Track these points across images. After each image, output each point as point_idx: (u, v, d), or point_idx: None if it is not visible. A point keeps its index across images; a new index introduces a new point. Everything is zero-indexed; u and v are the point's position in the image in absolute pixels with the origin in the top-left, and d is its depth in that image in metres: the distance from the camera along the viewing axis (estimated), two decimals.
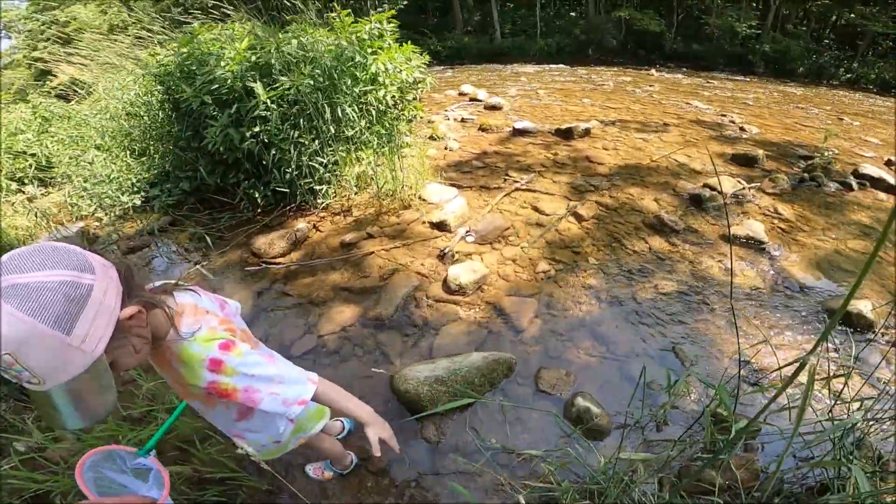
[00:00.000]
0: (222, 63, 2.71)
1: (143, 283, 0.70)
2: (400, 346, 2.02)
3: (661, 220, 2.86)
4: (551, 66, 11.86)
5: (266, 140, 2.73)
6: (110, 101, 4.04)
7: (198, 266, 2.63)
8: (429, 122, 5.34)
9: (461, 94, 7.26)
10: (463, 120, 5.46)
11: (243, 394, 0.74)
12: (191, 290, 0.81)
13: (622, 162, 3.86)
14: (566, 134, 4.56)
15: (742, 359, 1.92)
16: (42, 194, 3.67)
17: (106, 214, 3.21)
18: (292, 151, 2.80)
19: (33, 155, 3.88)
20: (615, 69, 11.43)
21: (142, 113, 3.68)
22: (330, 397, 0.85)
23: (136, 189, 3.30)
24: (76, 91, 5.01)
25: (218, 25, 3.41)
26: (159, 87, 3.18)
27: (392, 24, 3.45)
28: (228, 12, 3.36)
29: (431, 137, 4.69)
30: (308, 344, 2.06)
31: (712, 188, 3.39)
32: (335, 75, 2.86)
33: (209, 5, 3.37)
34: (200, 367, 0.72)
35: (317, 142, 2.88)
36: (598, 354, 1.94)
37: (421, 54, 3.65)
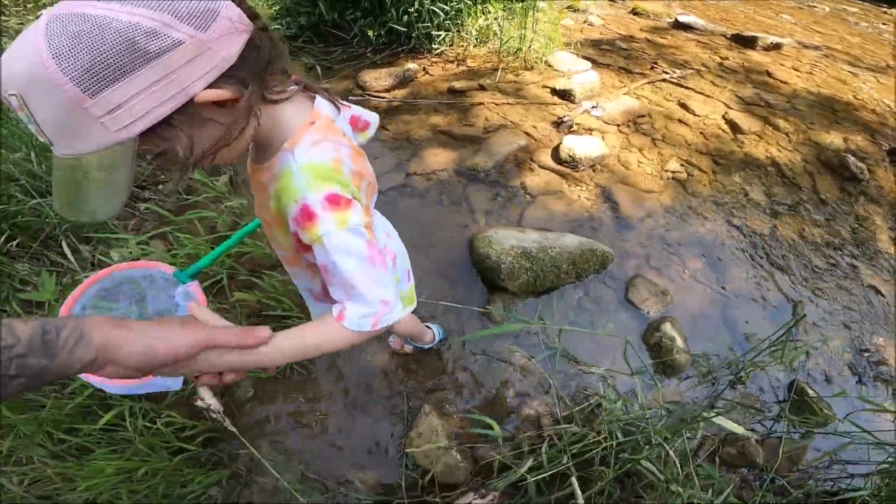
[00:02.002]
0: None
1: (281, 69, 0.50)
2: (489, 203, 1.87)
3: (843, 161, 2.22)
4: None
5: None
6: None
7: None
8: None
9: None
10: None
11: (321, 269, 0.55)
12: (341, 104, 0.60)
13: (815, 88, 2.96)
14: (746, 42, 3.55)
15: (861, 345, 1.58)
16: None
17: None
18: None
19: None
20: None
21: None
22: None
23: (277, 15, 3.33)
24: None
25: None
26: None
27: None
28: None
29: (570, 8, 3.91)
30: (396, 180, 1.99)
31: None
32: None
33: None
34: (291, 208, 0.51)
35: None
36: (705, 282, 1.67)
37: None
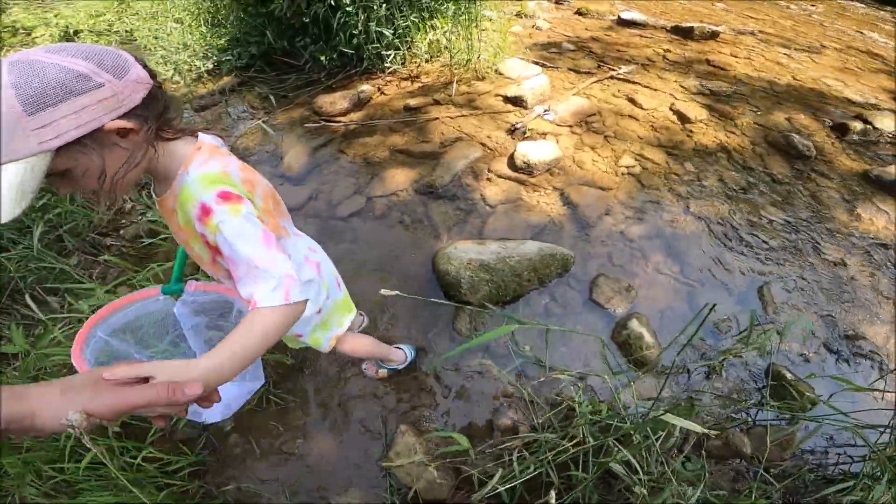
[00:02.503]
0: None
1: (174, 117, 0.63)
2: (451, 218, 1.85)
3: (788, 139, 2.29)
4: None
5: (333, 3, 2.50)
6: None
7: (259, 121, 2.61)
8: None
9: None
10: (558, 2, 4.58)
11: (227, 263, 0.62)
12: (219, 136, 0.72)
13: (754, 73, 3.08)
14: (686, 33, 3.68)
15: (834, 321, 1.59)
16: None
17: (182, 78, 3.32)
18: (360, 15, 2.55)
19: (116, 32, 4.08)
20: None
21: None
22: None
23: (209, 55, 3.41)
24: None
25: None
26: None
27: None
28: None
29: (518, 14, 3.99)
30: (356, 205, 1.96)
31: (867, 121, 2.64)
32: None
33: None
34: (191, 210, 0.61)
35: (385, 7, 2.58)
36: (668, 273, 1.67)
37: None
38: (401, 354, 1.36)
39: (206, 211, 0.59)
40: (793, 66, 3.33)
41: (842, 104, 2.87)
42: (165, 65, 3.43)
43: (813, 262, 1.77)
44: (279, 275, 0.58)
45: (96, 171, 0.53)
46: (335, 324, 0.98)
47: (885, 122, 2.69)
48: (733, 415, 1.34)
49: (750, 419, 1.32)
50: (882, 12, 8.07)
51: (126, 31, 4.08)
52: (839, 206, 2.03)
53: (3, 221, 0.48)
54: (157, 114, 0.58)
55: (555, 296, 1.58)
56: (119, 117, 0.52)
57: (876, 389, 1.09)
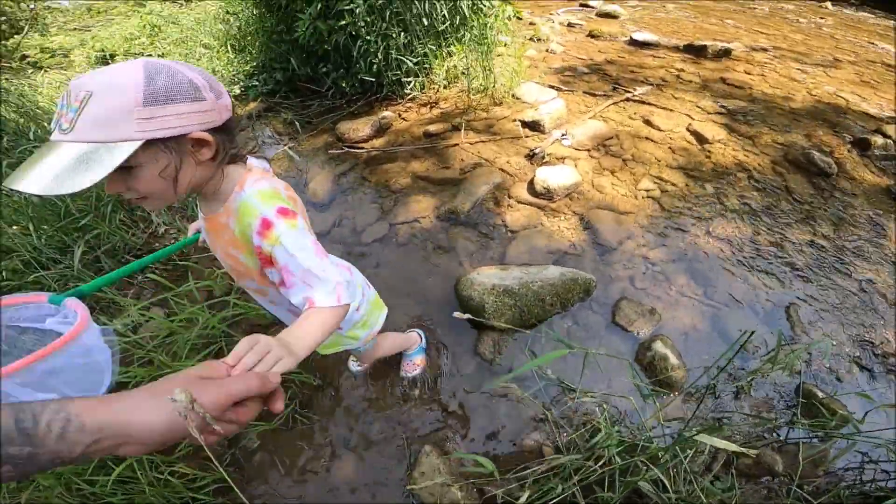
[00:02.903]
0: None
1: (236, 145, 0.70)
2: (472, 245, 1.90)
3: (809, 157, 2.29)
4: None
5: (353, 32, 2.63)
6: (211, 2, 4.27)
7: (286, 147, 2.73)
8: (530, 23, 4.68)
9: None
10: (570, 25, 4.69)
11: (282, 272, 0.66)
12: (265, 159, 0.81)
13: (769, 90, 3.09)
14: (698, 51, 3.73)
15: (865, 340, 1.56)
16: None
17: None
18: (379, 43, 2.69)
19: (149, 55, 4.30)
20: None
21: (238, 10, 3.87)
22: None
23: (236, 80, 3.55)
24: None
25: None
26: None
27: None
28: None
29: (532, 39, 4.10)
30: (380, 231, 2.02)
31: (887, 136, 2.63)
32: None
33: None
34: (252, 224, 0.66)
35: (404, 35, 2.71)
36: (692, 296, 1.68)
37: None
38: (415, 336, 1.48)
39: (267, 225, 0.65)
40: (808, 82, 3.34)
41: (860, 119, 2.85)
42: None
43: (840, 281, 1.76)
44: (333, 281, 0.65)
45: (169, 172, 0.59)
46: (373, 322, 1.07)
47: None
48: (764, 434, 1.33)
49: (781, 438, 1.31)
50: (891, 21, 8.01)
51: (158, 55, 4.30)
52: (864, 224, 2.01)
53: (66, 192, 0.49)
54: (228, 136, 0.66)
55: (577, 319, 1.60)
56: (205, 131, 0.60)
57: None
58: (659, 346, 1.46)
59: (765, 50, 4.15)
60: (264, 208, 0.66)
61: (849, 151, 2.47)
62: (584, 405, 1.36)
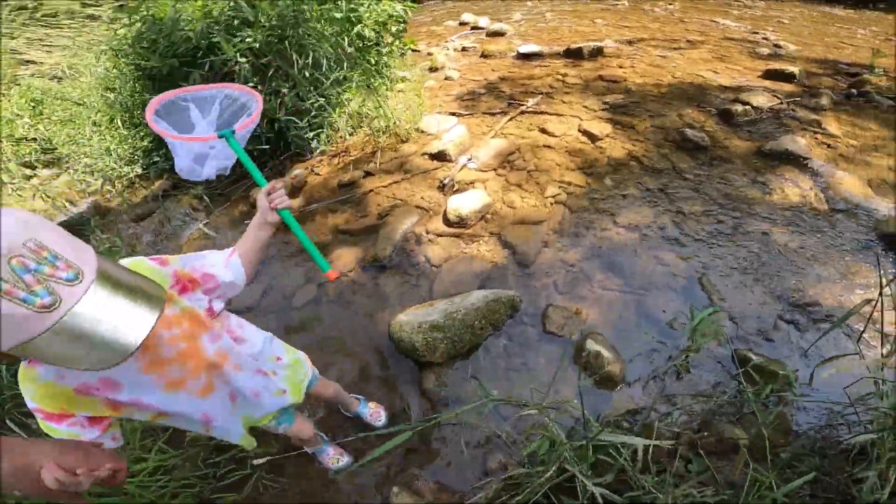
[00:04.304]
0: (181, 24, 2.59)
1: None
2: (400, 287, 1.88)
3: (684, 135, 2.55)
4: None
5: None
6: (90, 77, 4.07)
7: (201, 225, 2.59)
8: (427, 54, 4.87)
9: (462, 23, 6.58)
10: (464, 49, 4.95)
11: (197, 273, 0.76)
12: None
13: (640, 80, 3.44)
14: (576, 54, 4.08)
15: (780, 293, 1.70)
16: (53, 176, 3.71)
17: (113, 187, 3.25)
18: (273, 101, 2.66)
19: (34, 139, 3.96)
20: None
21: (117, 86, 3.67)
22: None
23: (135, 159, 3.34)
24: (64, 72, 5.07)
25: None
26: (124, 60, 3.08)
27: None
28: None
29: (431, 69, 4.26)
30: (309, 293, 1.96)
31: (745, 102, 3.01)
32: (299, 20, 2.64)
33: None
34: (162, 275, 0.72)
35: (295, 90, 2.71)
36: (613, 288, 1.75)
37: None
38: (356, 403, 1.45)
39: (160, 259, 0.73)
40: (670, 66, 3.76)
41: (719, 91, 3.25)
42: (93, 174, 3.33)
43: (741, 242, 1.92)
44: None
45: None
46: (302, 376, 1.07)
47: (759, 100, 3.06)
48: (715, 410, 1.36)
49: (734, 410, 1.34)
50: None
51: (43, 139, 3.93)
52: (747, 185, 2.25)
53: (117, 361, 0.47)
54: None
55: (511, 336, 1.61)
56: None
57: (837, 357, 1.14)
58: (591, 345, 1.50)
59: (630, 43, 4.65)
60: (145, 262, 0.70)
61: (717, 123, 2.79)
62: (534, 417, 1.33)
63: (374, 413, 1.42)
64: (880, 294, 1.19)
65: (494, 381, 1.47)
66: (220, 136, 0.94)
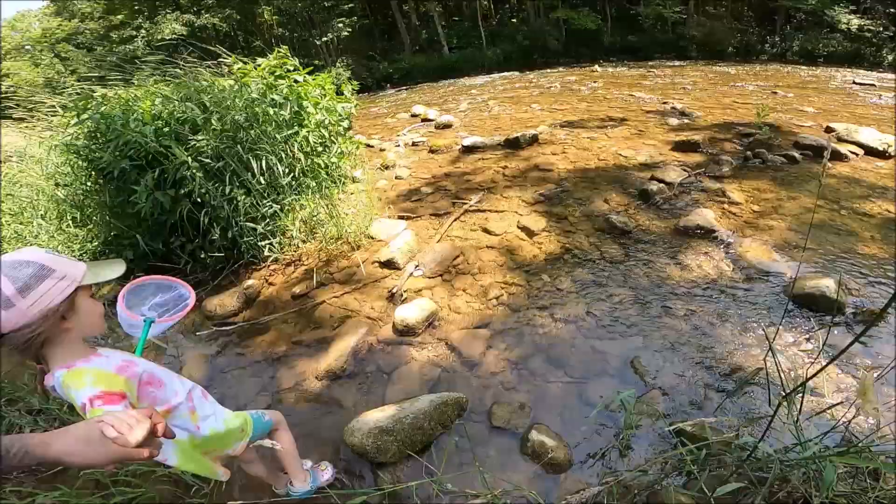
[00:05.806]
0: (131, 125, 2.61)
1: None
2: (354, 396, 1.92)
3: (610, 222, 2.83)
4: (502, 73, 12.10)
5: (198, 199, 2.64)
6: (35, 169, 3.93)
7: (151, 338, 2.54)
8: (380, 149, 5.30)
9: (413, 115, 7.28)
10: (414, 144, 5.43)
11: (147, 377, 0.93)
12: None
13: (571, 166, 3.86)
14: (514, 144, 4.56)
15: (707, 363, 1.85)
16: None
17: None
18: (226, 208, 2.72)
19: None
20: (561, 70, 11.76)
21: (69, 182, 3.57)
22: None
23: (83, 259, 3.25)
24: (9, 157, 5.03)
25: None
26: (74, 156, 3.07)
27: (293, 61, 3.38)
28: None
29: (383, 167, 4.62)
30: (263, 403, 1.97)
31: (660, 180, 3.41)
32: (250, 124, 2.78)
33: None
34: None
35: (247, 197, 2.79)
36: (554, 380, 1.85)
37: (349, 80, 3.65)
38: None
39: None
40: (595, 148, 4.26)
41: (638, 170, 3.69)
42: None
43: (667, 321, 2.09)
44: None
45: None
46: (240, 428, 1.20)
47: (671, 175, 3.48)
48: (656, 483, 1.38)
49: (680, 476, 1.39)
50: (639, 70, 10.83)
51: None
52: (669, 264, 2.49)
53: None
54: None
55: (461, 433, 1.68)
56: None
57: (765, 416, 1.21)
58: (534, 435, 1.60)
59: (562, 126, 5.25)
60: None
61: (638, 206, 3.13)
62: None
63: (322, 472, 1.53)
64: (768, 353, 1.31)
65: (449, 473, 1.51)
66: (143, 320, 1.20)
